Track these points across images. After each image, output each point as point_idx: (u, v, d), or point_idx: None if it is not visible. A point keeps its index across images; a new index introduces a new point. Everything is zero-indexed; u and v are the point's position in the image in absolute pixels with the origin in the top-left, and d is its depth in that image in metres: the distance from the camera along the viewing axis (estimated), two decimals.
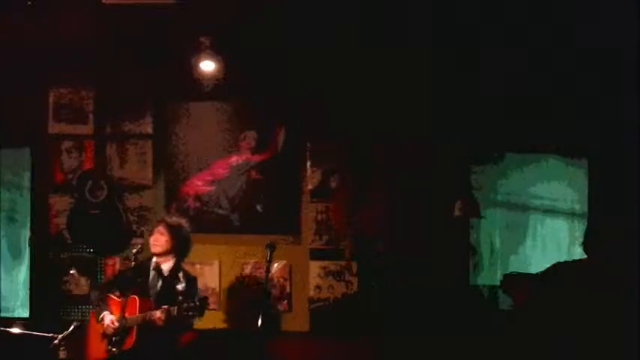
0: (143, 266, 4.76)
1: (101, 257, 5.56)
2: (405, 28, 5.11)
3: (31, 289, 5.67)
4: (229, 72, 5.38)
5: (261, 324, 4.33)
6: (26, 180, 5.80)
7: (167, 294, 4.62)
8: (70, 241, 5.56)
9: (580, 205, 5.41)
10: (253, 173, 5.49)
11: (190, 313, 4.40)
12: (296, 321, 5.40)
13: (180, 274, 4.72)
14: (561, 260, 4.06)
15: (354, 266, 5.37)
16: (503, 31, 5.02)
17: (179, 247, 4.77)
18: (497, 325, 4.87)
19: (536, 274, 4.06)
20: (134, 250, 4.65)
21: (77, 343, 4.48)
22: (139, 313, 4.46)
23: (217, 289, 5.48)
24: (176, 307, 4.39)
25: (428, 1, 5.01)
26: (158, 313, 4.41)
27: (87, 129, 5.63)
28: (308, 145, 5.45)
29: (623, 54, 4.88)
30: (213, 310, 5.35)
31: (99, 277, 5.49)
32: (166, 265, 4.75)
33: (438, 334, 5.01)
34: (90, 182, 5.43)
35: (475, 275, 5.41)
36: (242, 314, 5.40)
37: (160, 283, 4.71)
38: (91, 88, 5.62)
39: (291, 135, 5.46)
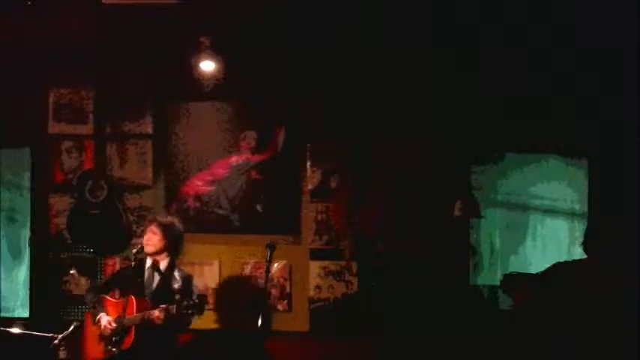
0: (138, 266, 4.76)
1: (101, 257, 5.56)
2: (405, 28, 5.11)
3: (31, 289, 5.67)
4: (229, 72, 5.38)
5: (261, 324, 4.33)
6: (26, 180, 5.80)
7: (163, 293, 4.62)
8: (70, 241, 5.56)
9: (580, 205, 5.41)
10: (253, 173, 5.49)
11: (190, 311, 4.40)
12: (296, 321, 5.40)
13: (176, 273, 4.72)
14: (561, 260, 4.06)
15: (354, 266, 5.37)
16: (503, 31, 5.02)
17: (172, 246, 4.76)
18: (497, 325, 4.87)
19: (536, 274, 4.06)
20: (134, 250, 4.66)
21: (74, 344, 4.48)
22: (137, 313, 4.46)
23: (217, 289, 5.48)
24: (175, 306, 4.39)
25: (428, 1, 5.01)
26: (157, 312, 4.41)
27: (87, 129, 5.63)
28: (308, 145, 5.45)
29: (623, 54, 4.88)
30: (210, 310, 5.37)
31: (99, 277, 5.49)
32: (161, 265, 4.75)
33: (438, 334, 5.01)
34: (90, 182, 5.43)
35: (475, 275, 5.41)
36: (242, 314, 5.40)
37: (155, 283, 4.71)
38: (91, 88, 5.62)
39: (291, 135, 5.46)
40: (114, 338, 4.47)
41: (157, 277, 4.71)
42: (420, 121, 5.28)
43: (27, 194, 5.79)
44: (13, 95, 5.52)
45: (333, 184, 5.43)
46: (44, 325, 4.51)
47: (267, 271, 4.58)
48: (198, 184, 5.53)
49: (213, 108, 5.56)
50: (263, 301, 4.63)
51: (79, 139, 5.64)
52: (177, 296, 4.55)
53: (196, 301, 4.40)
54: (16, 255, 5.90)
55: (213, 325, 5.40)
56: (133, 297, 4.53)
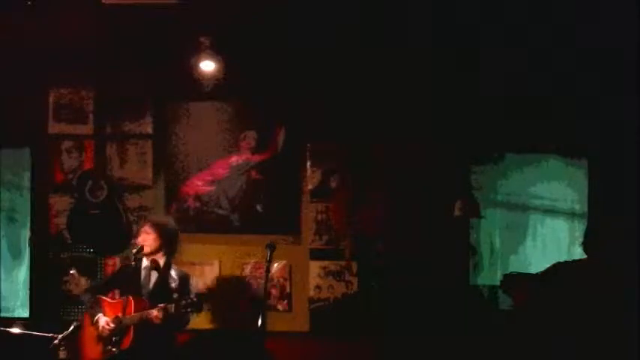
0: (134, 266, 4.76)
1: (101, 257, 5.56)
2: (405, 28, 5.11)
3: (31, 289, 5.67)
4: (229, 72, 5.38)
5: (261, 324, 4.33)
6: (26, 180, 5.80)
7: (161, 292, 4.62)
8: (70, 241, 5.56)
9: (580, 205, 5.41)
10: (253, 173, 5.49)
11: (188, 310, 4.41)
12: (296, 321, 5.40)
13: (173, 272, 4.72)
14: (561, 260, 4.06)
15: (354, 266, 5.37)
16: (503, 31, 5.02)
17: (167, 245, 4.76)
18: (497, 325, 4.87)
19: (536, 274, 4.06)
20: (134, 250, 4.66)
21: (73, 345, 4.47)
22: (135, 312, 4.46)
23: (217, 289, 5.48)
24: (173, 305, 4.39)
25: (428, 1, 5.01)
26: (155, 312, 4.41)
27: (87, 129, 5.63)
28: (308, 145, 5.45)
29: (623, 54, 4.88)
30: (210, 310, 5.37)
31: (99, 277, 5.48)
32: (158, 263, 4.75)
33: (438, 334, 5.01)
34: (90, 182, 5.43)
35: (475, 275, 5.41)
36: (241, 314, 5.40)
37: (152, 283, 4.71)
38: (91, 88, 5.61)
39: (291, 135, 5.46)
40: (114, 338, 4.47)
41: (154, 277, 4.71)
42: (420, 121, 5.28)
43: (27, 194, 5.79)
44: (13, 95, 5.52)
45: (333, 184, 5.43)
46: (44, 325, 4.50)
47: (267, 271, 4.58)
48: (198, 184, 5.53)
49: (213, 108, 5.55)
50: (262, 301, 4.61)
51: (79, 139, 5.64)
52: (175, 295, 4.55)
53: (194, 299, 4.41)
54: (16, 255, 5.89)
55: (213, 325, 5.40)
56: (130, 297, 4.54)
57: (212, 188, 5.52)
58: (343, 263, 5.39)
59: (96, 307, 4.68)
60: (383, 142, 5.36)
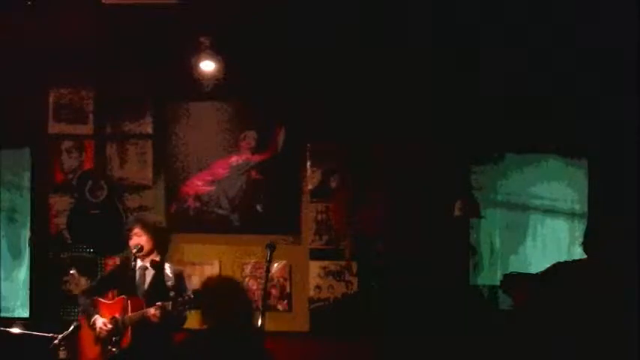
0: (128, 266, 4.76)
1: (101, 257, 5.56)
2: (405, 28, 5.11)
3: (31, 289, 5.67)
4: (229, 72, 5.38)
5: (261, 324, 4.33)
6: (26, 180, 5.80)
7: (157, 292, 4.60)
8: (70, 241, 5.56)
9: (580, 205, 5.41)
10: (253, 173, 5.49)
11: (187, 307, 4.41)
12: (296, 321, 5.40)
13: (168, 270, 4.71)
14: (561, 260, 4.06)
15: (354, 266, 5.37)
16: (503, 31, 5.02)
17: (160, 244, 4.75)
18: (497, 325, 4.87)
19: (536, 274, 4.05)
20: (134, 250, 4.65)
21: (72, 347, 4.47)
22: (132, 312, 4.46)
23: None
24: (171, 303, 4.40)
25: (428, 1, 5.01)
26: (152, 310, 4.41)
27: (87, 129, 5.63)
28: (308, 145, 5.45)
29: (623, 54, 4.88)
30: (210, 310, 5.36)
31: (99, 277, 5.47)
32: (149, 263, 4.74)
33: (438, 334, 5.01)
34: (90, 182, 5.43)
35: (475, 275, 5.41)
36: (241, 314, 5.40)
37: (147, 282, 4.70)
38: (91, 88, 5.62)
39: (291, 135, 5.46)
40: (114, 338, 4.46)
41: (149, 277, 4.70)
42: (420, 121, 5.28)
43: (27, 194, 5.79)
44: (13, 95, 5.52)
45: (333, 184, 5.43)
46: (44, 325, 4.50)
47: (267, 271, 4.57)
48: (198, 184, 5.53)
49: (213, 108, 5.56)
50: (263, 301, 4.60)
51: (79, 139, 5.64)
52: (172, 293, 4.55)
53: (192, 296, 4.41)
54: (16, 255, 5.90)
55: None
56: (126, 297, 4.54)
57: (212, 188, 5.52)
58: (343, 263, 5.39)
59: (92, 308, 4.67)
60: (383, 142, 5.36)
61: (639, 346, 3.54)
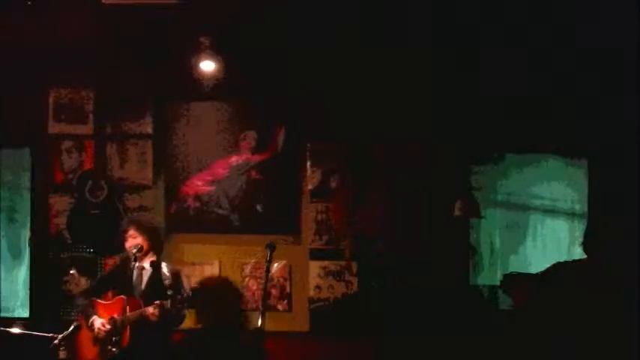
0: (125, 267, 4.77)
1: (101, 257, 5.56)
2: (405, 28, 5.11)
3: (31, 289, 5.67)
4: (229, 72, 5.38)
5: (261, 324, 4.33)
6: (26, 180, 5.80)
7: (154, 291, 4.60)
8: (70, 241, 5.56)
9: (580, 205, 5.41)
10: (253, 173, 5.49)
11: (185, 305, 4.42)
12: (296, 321, 5.40)
13: (164, 269, 4.71)
14: (561, 260, 4.06)
15: (354, 266, 5.37)
16: (503, 31, 5.02)
17: (156, 244, 4.76)
18: (498, 325, 4.87)
19: (536, 274, 4.05)
20: (134, 250, 4.65)
21: (71, 348, 4.47)
22: (130, 312, 4.46)
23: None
24: (169, 301, 4.40)
25: (428, 1, 5.01)
26: (151, 309, 4.42)
27: (87, 129, 5.63)
28: (308, 145, 5.45)
29: (623, 54, 4.88)
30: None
31: (99, 277, 5.47)
32: (148, 264, 4.74)
33: (438, 334, 5.01)
34: (90, 182, 5.43)
35: (475, 275, 5.41)
36: (241, 314, 5.41)
37: (145, 282, 4.70)
38: (91, 88, 5.62)
39: (291, 135, 5.46)
40: (114, 338, 4.46)
41: (145, 276, 4.71)
42: (420, 121, 5.28)
43: (27, 194, 5.79)
44: (13, 95, 5.52)
45: (333, 184, 5.44)
46: (44, 325, 4.50)
47: (267, 271, 4.57)
48: (198, 184, 5.53)
49: (213, 108, 5.56)
50: (263, 301, 4.61)
51: (79, 139, 5.64)
52: (170, 292, 4.55)
53: (190, 294, 4.42)
54: (16, 255, 5.89)
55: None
56: (124, 297, 4.54)
57: (212, 188, 5.52)
58: (343, 263, 5.39)
59: (89, 309, 4.67)
60: (383, 142, 5.36)
61: (639, 346, 3.54)
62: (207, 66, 5.36)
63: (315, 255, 5.43)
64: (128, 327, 4.45)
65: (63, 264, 5.55)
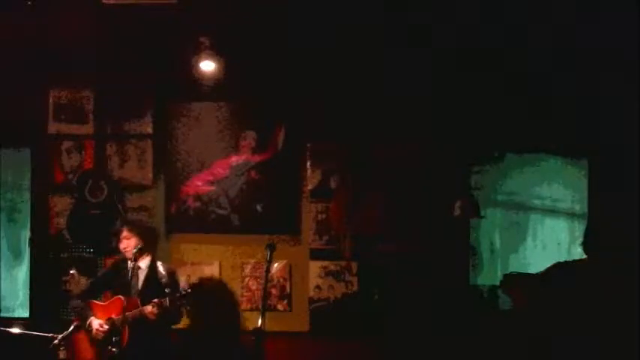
0: (120, 267, 4.77)
1: (101, 257, 5.55)
2: (405, 28, 5.11)
3: (31, 289, 5.67)
4: (229, 72, 5.38)
5: (261, 324, 4.33)
6: (26, 180, 5.80)
7: (150, 290, 4.62)
8: (70, 241, 5.55)
9: (580, 205, 5.41)
10: (253, 173, 5.49)
11: (184, 302, 4.42)
12: (296, 321, 5.40)
13: (160, 268, 4.73)
14: (561, 260, 4.06)
15: (354, 266, 5.37)
16: (503, 31, 5.02)
17: (150, 243, 4.77)
18: (498, 325, 4.87)
19: (536, 274, 4.05)
20: (134, 251, 4.66)
21: (70, 350, 4.46)
22: (128, 312, 4.46)
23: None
24: (168, 299, 4.41)
25: (428, 1, 5.01)
26: (149, 308, 4.43)
27: (87, 129, 5.63)
28: (308, 145, 5.45)
29: (623, 54, 4.88)
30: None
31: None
32: (143, 263, 4.75)
33: (438, 334, 5.01)
34: (90, 182, 5.43)
35: (475, 275, 5.41)
36: (241, 314, 5.42)
37: (141, 282, 4.71)
38: (91, 88, 5.62)
39: (291, 135, 5.46)
40: (114, 338, 4.46)
41: (141, 276, 4.72)
42: (420, 121, 5.28)
43: (27, 194, 5.79)
44: (13, 95, 5.51)
45: (333, 184, 5.43)
46: (44, 325, 4.51)
47: (267, 271, 4.58)
48: (198, 184, 5.53)
49: (213, 108, 5.55)
50: (263, 300, 4.61)
51: (79, 139, 5.64)
52: (168, 290, 4.56)
53: (189, 291, 4.42)
54: (16, 255, 5.90)
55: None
56: (121, 297, 4.54)
57: (212, 188, 5.52)
58: (343, 263, 5.39)
59: (86, 311, 4.68)
60: (383, 142, 5.36)
61: (639, 346, 3.54)
62: (207, 66, 5.36)
63: (315, 255, 5.42)
64: (127, 327, 4.46)
65: (63, 264, 5.55)
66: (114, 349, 4.44)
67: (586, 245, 3.96)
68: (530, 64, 5.13)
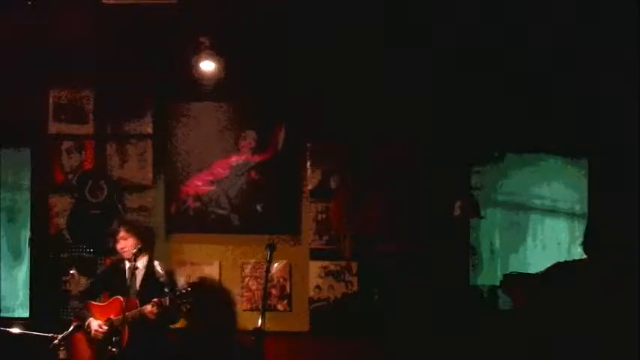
0: (117, 268, 4.77)
1: (101, 257, 5.55)
2: (405, 28, 5.11)
3: (31, 289, 5.67)
4: (229, 72, 5.38)
5: (261, 324, 4.33)
6: (26, 180, 5.80)
7: (148, 290, 4.62)
8: (70, 241, 5.55)
9: (580, 205, 5.41)
10: (253, 173, 5.49)
11: (184, 301, 4.42)
12: (296, 321, 5.40)
13: (158, 268, 4.72)
14: (561, 260, 4.06)
15: (354, 266, 5.37)
16: (503, 31, 5.02)
17: (147, 243, 4.77)
18: (498, 325, 4.86)
19: (536, 274, 4.05)
20: (134, 251, 4.66)
21: (70, 350, 4.46)
22: (127, 312, 4.46)
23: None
24: (167, 298, 4.41)
25: (428, 1, 5.01)
26: (149, 307, 4.43)
27: (87, 129, 5.63)
28: (308, 145, 5.45)
29: (623, 54, 4.88)
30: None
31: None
32: (140, 263, 4.75)
33: (438, 334, 5.01)
34: (90, 182, 5.43)
35: (475, 275, 5.41)
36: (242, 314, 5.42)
37: (139, 282, 4.71)
38: (91, 88, 5.62)
39: (291, 135, 5.46)
40: (114, 338, 4.46)
41: (139, 276, 4.72)
42: (420, 121, 5.28)
43: (27, 194, 5.79)
44: (13, 95, 5.51)
45: (333, 184, 5.43)
46: (44, 325, 4.51)
47: (267, 271, 4.58)
48: (198, 184, 5.53)
49: (213, 108, 5.55)
50: (263, 300, 4.61)
51: (79, 139, 5.64)
52: (167, 289, 4.56)
53: (189, 289, 4.42)
54: (16, 255, 5.90)
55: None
56: (120, 298, 4.54)
57: (212, 188, 5.52)
58: (343, 263, 5.39)
59: (85, 312, 4.67)
60: (383, 142, 5.36)
61: (639, 346, 3.54)
62: (207, 66, 5.36)
63: (315, 255, 5.42)
64: (126, 327, 4.46)
65: (63, 264, 5.55)
66: (114, 349, 4.44)
67: (586, 245, 3.96)
68: (530, 64, 5.13)
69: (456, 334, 4.97)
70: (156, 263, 4.76)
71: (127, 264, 4.74)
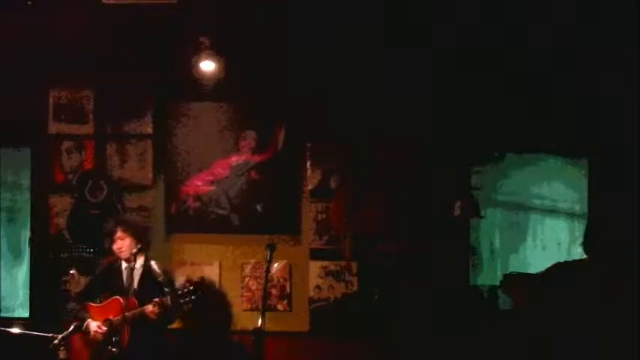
0: (113, 268, 4.77)
1: (101, 257, 5.55)
2: (405, 27, 5.11)
3: (31, 289, 5.67)
4: (229, 72, 5.38)
5: (262, 324, 4.33)
6: (26, 180, 5.80)
7: (147, 290, 4.61)
8: (70, 241, 5.55)
9: (580, 205, 5.41)
10: (253, 173, 5.49)
11: (187, 299, 4.42)
12: (296, 321, 5.40)
13: (156, 267, 4.71)
14: (561, 260, 4.06)
15: (354, 266, 5.37)
16: (503, 31, 5.02)
17: (144, 243, 4.77)
18: (498, 325, 4.87)
19: (536, 274, 4.05)
20: (134, 251, 4.65)
21: (69, 351, 4.46)
22: (127, 312, 4.46)
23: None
24: (169, 297, 4.40)
25: (428, 1, 5.01)
26: (150, 307, 4.42)
27: (87, 129, 5.63)
28: (308, 145, 5.45)
29: (623, 54, 4.88)
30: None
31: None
32: (137, 263, 4.73)
33: (438, 334, 5.01)
34: (90, 182, 5.43)
35: (475, 275, 5.41)
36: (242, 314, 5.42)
37: (136, 282, 4.70)
38: (91, 88, 5.62)
39: (291, 135, 5.46)
40: (114, 338, 4.46)
41: (137, 276, 4.71)
42: (420, 121, 5.28)
43: (27, 194, 5.79)
44: (13, 95, 5.51)
45: (333, 184, 5.43)
46: (44, 325, 4.50)
47: (267, 271, 4.58)
48: (198, 184, 5.53)
49: (213, 108, 5.55)
50: (263, 300, 4.61)
51: (79, 139, 5.64)
52: (166, 289, 4.55)
53: (190, 287, 4.42)
54: (16, 255, 5.90)
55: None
56: (119, 298, 4.54)
57: (212, 188, 5.52)
58: (343, 263, 5.39)
59: (83, 313, 4.67)
60: (383, 142, 5.36)
61: (639, 346, 3.54)
62: (207, 66, 5.36)
63: (315, 255, 5.42)
64: (126, 327, 4.46)
65: (63, 264, 5.55)
66: (114, 350, 4.44)
67: (586, 245, 3.96)
68: (530, 64, 5.13)
69: (456, 334, 4.97)
70: (152, 263, 4.75)
71: (124, 264, 4.74)
